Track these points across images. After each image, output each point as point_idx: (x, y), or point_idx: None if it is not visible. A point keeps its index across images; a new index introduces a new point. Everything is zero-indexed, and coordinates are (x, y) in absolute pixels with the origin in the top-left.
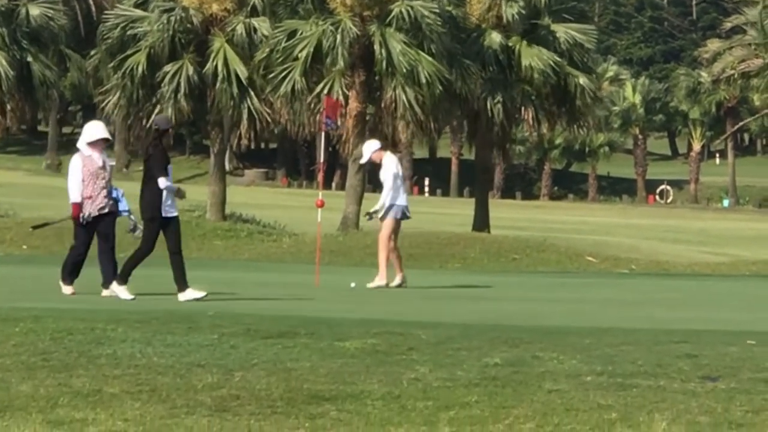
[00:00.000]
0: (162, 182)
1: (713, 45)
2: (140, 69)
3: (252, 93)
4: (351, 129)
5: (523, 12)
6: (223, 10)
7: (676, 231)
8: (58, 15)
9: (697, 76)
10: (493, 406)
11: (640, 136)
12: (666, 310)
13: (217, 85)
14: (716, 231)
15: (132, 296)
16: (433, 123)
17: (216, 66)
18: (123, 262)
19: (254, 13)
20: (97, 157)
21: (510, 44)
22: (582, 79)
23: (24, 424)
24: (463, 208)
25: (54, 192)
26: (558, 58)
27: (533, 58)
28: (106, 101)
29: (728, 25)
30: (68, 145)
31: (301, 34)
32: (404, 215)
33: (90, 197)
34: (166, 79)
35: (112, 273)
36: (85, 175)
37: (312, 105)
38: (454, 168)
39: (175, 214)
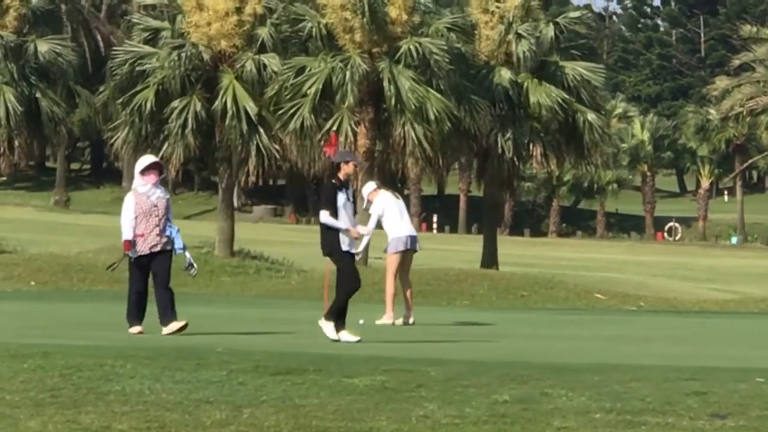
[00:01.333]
0: (322, 215)
1: (722, 82)
2: (149, 105)
3: (261, 130)
4: (360, 166)
5: (534, 49)
6: (232, 46)
7: (684, 268)
8: (67, 51)
9: (706, 113)
10: None
11: (649, 173)
12: (675, 347)
13: (227, 121)
14: (725, 268)
15: (357, 338)
16: (441, 159)
17: (225, 102)
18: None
19: (263, 49)
20: (151, 193)
21: (519, 81)
22: (590, 116)
23: None
24: (472, 245)
25: (62, 228)
26: (566, 95)
27: (542, 95)
28: (115, 137)
29: (737, 62)
30: (77, 181)
31: (310, 70)
32: (408, 247)
33: (142, 235)
34: (174, 115)
35: (171, 309)
36: (137, 212)
37: (321, 142)
38: (462, 204)
39: (353, 250)
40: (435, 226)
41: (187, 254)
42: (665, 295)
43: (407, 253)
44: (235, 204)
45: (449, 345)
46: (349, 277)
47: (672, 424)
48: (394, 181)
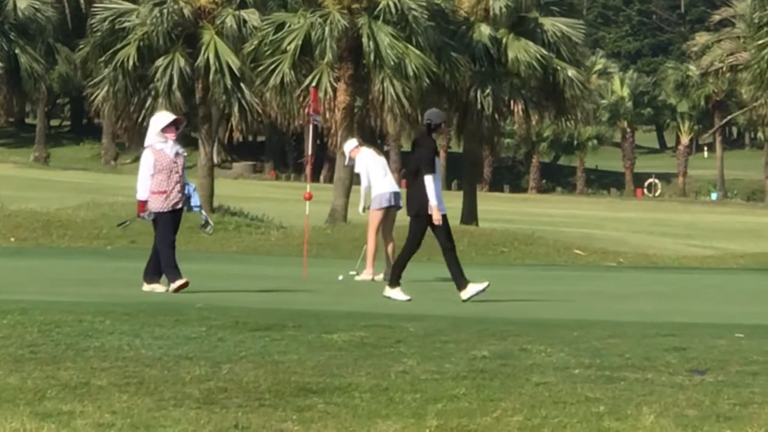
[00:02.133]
0: (428, 179)
1: (701, 38)
2: (131, 62)
3: (242, 85)
4: (339, 122)
5: (511, 5)
6: (212, 2)
7: (664, 224)
8: (46, 7)
9: (686, 69)
10: (481, 399)
11: (629, 130)
12: (654, 303)
13: (210, 77)
14: (704, 224)
15: (408, 297)
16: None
17: (208, 58)
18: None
19: (243, 5)
20: (169, 150)
21: (498, 37)
22: (570, 72)
23: (11, 416)
24: (452, 201)
25: (41, 184)
26: (545, 51)
27: (520, 50)
28: (96, 94)
29: (717, 18)
30: (56, 138)
31: (290, 26)
32: (392, 203)
33: (164, 192)
34: (159, 73)
35: (158, 270)
36: (157, 170)
37: (301, 98)
38: (442, 161)
39: (445, 211)
40: None
41: (203, 212)
42: (645, 251)
43: (390, 210)
44: (215, 160)
45: (428, 301)
46: (419, 242)
47: (651, 380)
48: (374, 138)
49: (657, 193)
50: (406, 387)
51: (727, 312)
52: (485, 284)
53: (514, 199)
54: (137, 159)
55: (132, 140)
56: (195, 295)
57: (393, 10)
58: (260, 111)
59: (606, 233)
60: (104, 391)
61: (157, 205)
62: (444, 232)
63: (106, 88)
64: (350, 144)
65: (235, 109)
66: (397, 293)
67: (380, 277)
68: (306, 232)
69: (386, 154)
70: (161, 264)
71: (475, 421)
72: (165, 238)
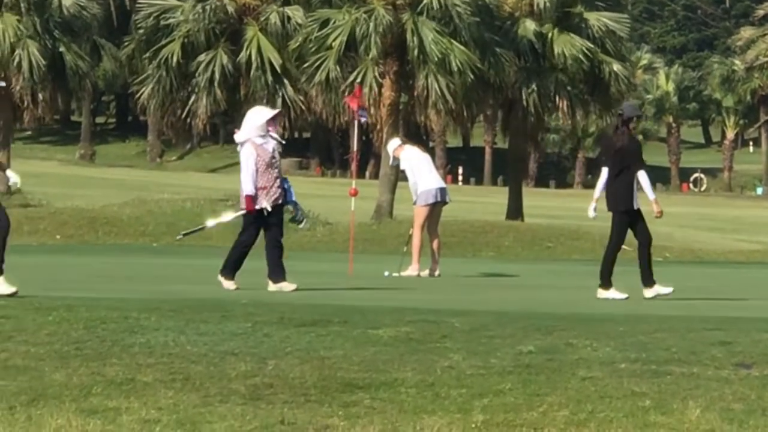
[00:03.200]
0: (642, 174)
1: (746, 33)
2: (175, 58)
3: (286, 81)
4: (385, 118)
5: (556, 0)
6: None
7: (709, 219)
8: (91, 4)
9: (731, 64)
10: (527, 394)
11: (674, 125)
12: (700, 298)
13: (252, 73)
14: (750, 219)
15: (625, 295)
16: (465, 112)
17: (250, 54)
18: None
19: (287, 2)
20: (269, 145)
21: (543, 32)
22: (616, 66)
23: (57, 412)
24: (497, 197)
25: (87, 182)
26: (591, 46)
27: (566, 45)
28: (141, 91)
29: (761, 12)
30: (102, 135)
31: (335, 22)
32: (438, 199)
33: (265, 188)
34: (201, 69)
35: (281, 266)
36: (259, 165)
37: (346, 93)
38: (487, 157)
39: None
40: (461, 178)
41: (299, 206)
42: (690, 246)
43: (437, 206)
44: None
45: (474, 296)
46: (623, 238)
47: (697, 374)
48: (419, 134)
49: (703, 188)
50: (451, 382)
51: None
52: (670, 289)
53: (560, 194)
54: (183, 156)
55: (177, 137)
56: (240, 291)
57: (437, 6)
58: (303, 107)
59: (652, 228)
60: (150, 388)
61: (258, 201)
62: (644, 226)
63: (151, 85)
64: (393, 143)
65: (278, 105)
66: (613, 293)
67: (426, 273)
68: (351, 228)
69: (431, 151)
70: (227, 257)
71: (521, 416)
72: (248, 236)
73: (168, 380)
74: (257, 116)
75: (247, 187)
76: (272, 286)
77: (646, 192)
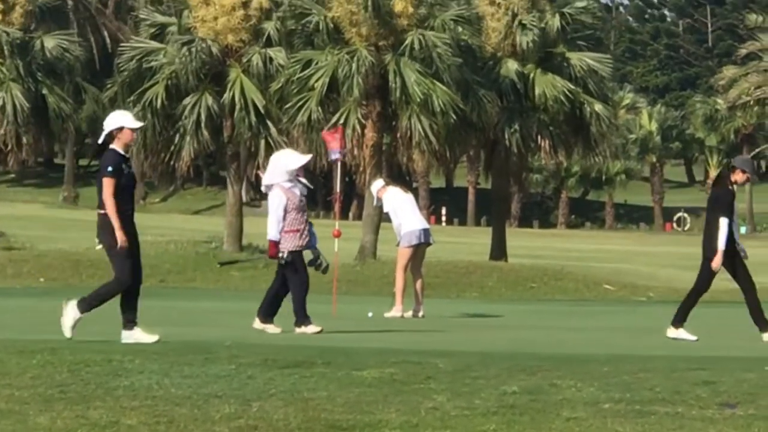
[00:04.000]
0: (723, 222)
1: (729, 72)
2: (159, 101)
3: (269, 123)
4: (368, 159)
5: (538, 40)
6: (239, 40)
7: (693, 258)
8: (74, 47)
9: (714, 103)
10: None
11: (657, 164)
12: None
13: (235, 114)
14: None
15: (695, 337)
16: (449, 152)
17: (233, 96)
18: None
19: (269, 43)
20: (297, 189)
21: (525, 72)
22: (597, 107)
23: None
24: (481, 237)
25: (70, 224)
26: (572, 86)
27: (547, 85)
28: None
29: (743, 51)
30: (85, 177)
31: (317, 63)
32: (422, 241)
33: (297, 230)
34: (187, 111)
35: (273, 310)
36: (290, 208)
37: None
38: (471, 197)
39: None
40: (444, 218)
41: (317, 249)
42: (674, 285)
43: (420, 247)
44: (244, 198)
45: (458, 337)
46: (709, 282)
47: (681, 414)
48: (401, 175)
49: (686, 227)
50: (436, 423)
51: (757, 346)
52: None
53: (544, 234)
54: (166, 198)
55: (161, 179)
56: (224, 332)
57: (418, 47)
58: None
59: (635, 268)
60: (134, 431)
61: (292, 243)
62: (745, 271)
63: None
64: (377, 184)
65: (261, 146)
66: (682, 333)
67: (409, 314)
68: (335, 269)
69: (415, 191)
70: (295, 305)
71: None
72: (303, 278)
73: (152, 423)
74: (287, 161)
75: (272, 232)
76: (258, 324)
77: (718, 238)
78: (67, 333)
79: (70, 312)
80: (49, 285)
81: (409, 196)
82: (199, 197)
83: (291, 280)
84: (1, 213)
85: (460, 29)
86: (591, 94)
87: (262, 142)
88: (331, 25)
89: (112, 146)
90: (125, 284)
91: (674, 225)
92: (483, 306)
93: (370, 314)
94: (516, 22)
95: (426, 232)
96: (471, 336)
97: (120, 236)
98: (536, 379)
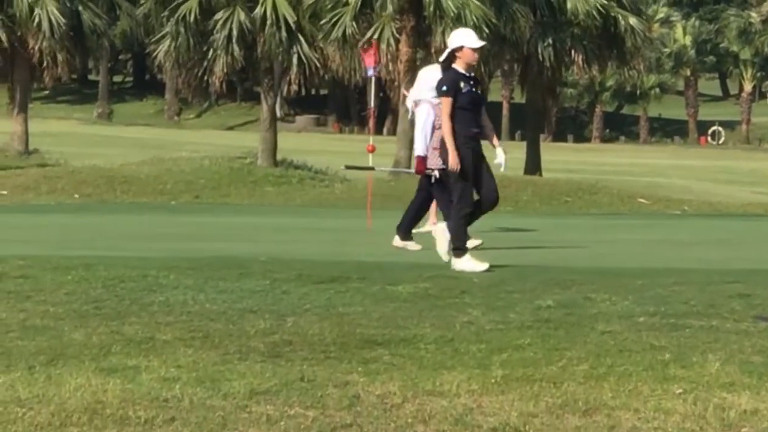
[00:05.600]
0: None
1: None
2: (192, 16)
3: (301, 38)
4: (402, 74)
5: None
6: None
7: (728, 172)
8: None
9: (747, 16)
10: (546, 349)
11: (691, 78)
12: (718, 251)
13: (266, 30)
14: None
15: None
16: (482, 67)
17: (265, 11)
18: None
19: None
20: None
21: None
22: (631, 20)
23: (77, 371)
24: (515, 152)
25: (105, 141)
26: (605, 0)
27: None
28: (158, 49)
29: None
30: (119, 94)
31: None
32: None
33: (437, 149)
34: (218, 26)
35: (413, 226)
36: (437, 125)
37: (363, 47)
38: (505, 112)
39: None
40: None
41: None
42: (709, 199)
43: None
44: (278, 114)
45: (492, 251)
46: None
47: (716, 327)
48: None
49: (720, 141)
50: (471, 338)
51: None
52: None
53: (578, 149)
54: (200, 114)
55: (194, 95)
56: (259, 248)
57: None
58: (319, 64)
59: (670, 181)
60: (169, 346)
61: (439, 161)
62: None
63: (168, 43)
64: (412, 94)
65: (294, 62)
66: None
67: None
68: (369, 184)
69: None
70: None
71: (541, 371)
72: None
73: (187, 338)
74: (435, 76)
75: (419, 147)
76: (398, 242)
77: None
78: (445, 257)
79: (442, 240)
80: (83, 201)
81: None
82: (233, 113)
83: (443, 194)
84: (35, 130)
85: None
86: (624, 7)
87: (294, 57)
88: None
89: (453, 65)
90: (466, 209)
91: (708, 138)
92: (517, 220)
93: None
94: None
95: None
96: (505, 251)
97: (452, 158)
98: (571, 293)
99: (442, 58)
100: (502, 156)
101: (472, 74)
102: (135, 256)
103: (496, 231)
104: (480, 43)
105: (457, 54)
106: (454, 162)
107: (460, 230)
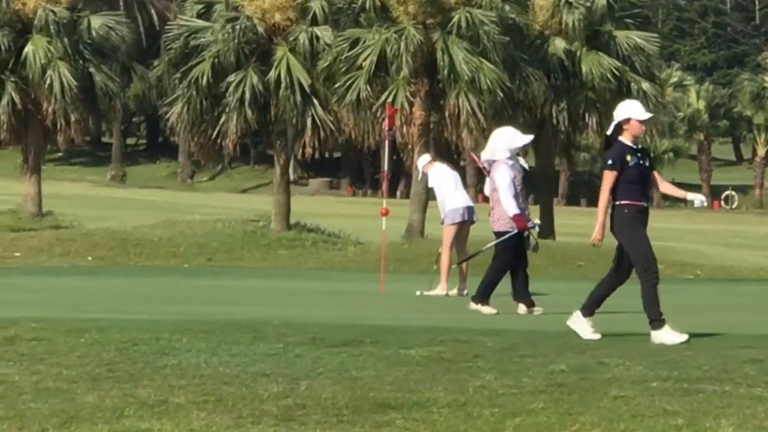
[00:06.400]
0: None
1: None
2: (205, 78)
3: (315, 101)
4: (416, 137)
5: (585, 18)
6: (286, 19)
7: (741, 236)
8: (120, 26)
9: (761, 81)
10: (559, 413)
11: (705, 142)
12: (732, 315)
13: (281, 93)
14: None
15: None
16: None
17: (279, 74)
18: None
19: (316, 22)
20: (516, 168)
21: (572, 50)
22: (644, 85)
23: None
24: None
25: (118, 203)
26: (619, 64)
27: (594, 64)
28: (171, 112)
29: None
30: (132, 156)
31: (365, 42)
32: (466, 218)
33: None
34: (231, 89)
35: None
36: (516, 186)
37: (378, 112)
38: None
39: None
40: None
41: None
42: (722, 264)
43: (464, 225)
44: (291, 177)
45: (505, 316)
46: None
47: (729, 392)
48: (449, 153)
49: (734, 205)
50: (484, 402)
51: None
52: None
53: (591, 212)
54: (214, 177)
55: (207, 157)
56: (272, 311)
57: (464, 25)
58: (333, 128)
59: (683, 246)
60: (182, 409)
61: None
62: None
63: (180, 106)
64: (423, 159)
65: (308, 125)
66: None
67: (454, 292)
68: (383, 247)
69: (462, 170)
70: (485, 281)
71: None
72: (508, 260)
73: (200, 401)
74: (513, 138)
75: (512, 207)
76: (522, 309)
77: None
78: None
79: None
80: (96, 264)
81: (455, 174)
82: (246, 176)
83: (498, 257)
84: (49, 192)
85: (507, 7)
86: (638, 72)
87: (308, 120)
88: (378, 4)
89: (620, 138)
90: (653, 279)
91: (722, 203)
92: (530, 284)
93: (417, 293)
94: (563, 1)
95: (470, 210)
96: (518, 315)
97: (598, 232)
98: (584, 358)
99: (609, 131)
100: (698, 197)
101: (639, 146)
102: (148, 319)
103: (508, 295)
104: (647, 115)
105: (624, 126)
106: (598, 236)
107: (653, 301)
